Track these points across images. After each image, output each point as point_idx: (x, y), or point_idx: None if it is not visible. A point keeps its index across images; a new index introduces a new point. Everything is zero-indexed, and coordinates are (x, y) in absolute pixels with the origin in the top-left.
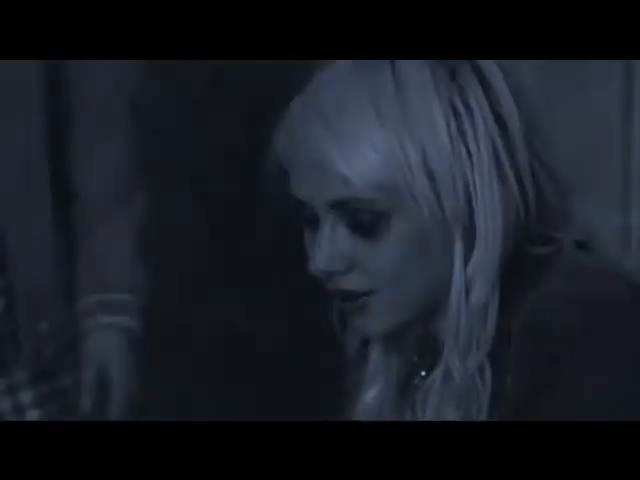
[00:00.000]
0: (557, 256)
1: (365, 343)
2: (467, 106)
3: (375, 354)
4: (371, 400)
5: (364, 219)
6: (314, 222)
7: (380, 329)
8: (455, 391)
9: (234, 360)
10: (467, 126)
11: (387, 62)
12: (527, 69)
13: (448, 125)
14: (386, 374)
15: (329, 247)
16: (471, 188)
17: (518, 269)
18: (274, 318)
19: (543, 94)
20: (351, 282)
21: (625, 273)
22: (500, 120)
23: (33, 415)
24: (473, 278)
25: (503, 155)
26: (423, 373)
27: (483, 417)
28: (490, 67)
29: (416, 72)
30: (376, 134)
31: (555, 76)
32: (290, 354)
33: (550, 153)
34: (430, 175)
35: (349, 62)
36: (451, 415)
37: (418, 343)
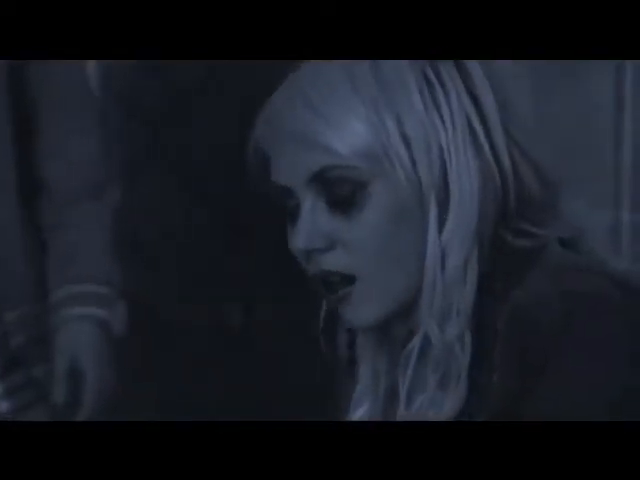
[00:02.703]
0: (542, 253)
1: (352, 361)
2: (439, 79)
3: (363, 373)
4: (359, 418)
5: (343, 192)
6: (296, 211)
7: (367, 317)
8: (433, 355)
9: (228, 360)
10: (440, 97)
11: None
12: (521, 68)
13: (422, 94)
14: (374, 394)
15: (309, 225)
16: (446, 155)
17: (502, 259)
18: (268, 317)
19: (535, 92)
20: (332, 261)
21: (612, 271)
22: (473, 97)
23: (5, 406)
24: (448, 243)
25: (478, 128)
26: (409, 372)
27: (463, 387)
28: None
29: None
30: (353, 104)
31: (547, 75)
32: (285, 354)
33: (532, 143)
34: (405, 139)
35: None
36: (430, 379)
37: (405, 343)
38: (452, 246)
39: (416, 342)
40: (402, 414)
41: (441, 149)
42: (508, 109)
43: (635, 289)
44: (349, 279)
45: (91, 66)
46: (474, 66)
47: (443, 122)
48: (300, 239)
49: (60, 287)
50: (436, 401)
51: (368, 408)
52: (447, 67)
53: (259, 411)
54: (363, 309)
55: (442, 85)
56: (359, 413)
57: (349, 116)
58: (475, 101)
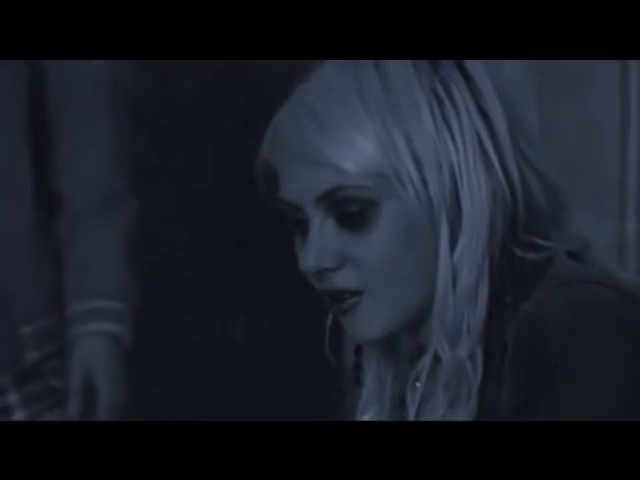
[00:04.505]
0: (550, 265)
1: (358, 367)
2: (450, 96)
3: (369, 379)
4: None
5: (353, 210)
6: (304, 225)
7: (371, 333)
8: (443, 374)
9: (230, 366)
10: (451, 115)
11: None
12: (520, 70)
13: (432, 112)
14: (380, 401)
15: (319, 243)
16: (456, 173)
17: (510, 272)
18: (272, 320)
19: (539, 96)
20: (343, 279)
21: (618, 282)
22: (483, 113)
23: (20, 415)
24: (460, 262)
25: (488, 145)
26: (417, 384)
27: (473, 404)
28: (472, 63)
29: (399, 65)
30: (364, 124)
31: (551, 78)
32: (290, 357)
33: (539, 155)
34: (416, 160)
35: (334, 61)
36: (440, 398)
37: (412, 358)
38: (463, 264)
39: (426, 361)
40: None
41: (452, 167)
42: (517, 123)
43: None
44: (358, 292)
45: (106, 67)
46: (484, 81)
47: (454, 140)
48: (310, 258)
49: (75, 302)
50: (446, 418)
51: (374, 415)
52: (457, 83)
53: (262, 413)
54: (368, 324)
55: (452, 102)
56: (365, 419)
57: (358, 134)
58: (485, 117)
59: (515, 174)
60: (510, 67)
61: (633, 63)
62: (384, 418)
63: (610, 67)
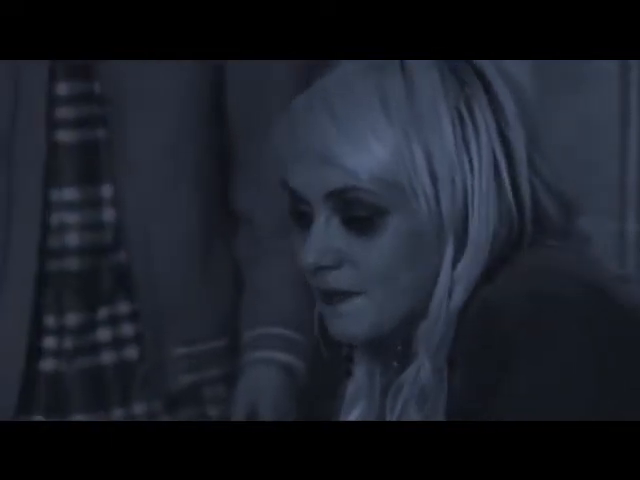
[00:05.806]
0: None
1: (349, 358)
2: (472, 116)
3: (359, 373)
4: (354, 419)
5: (360, 214)
6: (307, 217)
7: (362, 333)
8: (420, 393)
9: None
10: (471, 134)
11: (397, 63)
12: (522, 71)
13: (454, 130)
14: (369, 396)
15: (321, 240)
16: (469, 194)
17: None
18: None
19: (539, 96)
20: (339, 279)
21: (587, 273)
22: (502, 133)
23: None
24: (457, 283)
25: (502, 166)
26: (401, 392)
27: (440, 417)
28: (497, 81)
29: (426, 76)
30: (383, 130)
31: (551, 78)
32: None
33: (551, 171)
34: (432, 175)
35: (359, 61)
36: (413, 417)
37: (403, 357)
38: (460, 285)
39: (409, 374)
40: None
41: (465, 187)
42: (535, 141)
43: (614, 296)
44: (351, 294)
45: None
46: (507, 100)
47: (470, 162)
48: (310, 255)
49: (248, 327)
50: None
51: (362, 410)
52: (480, 102)
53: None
54: (354, 324)
55: (474, 123)
56: (355, 413)
57: (374, 138)
58: (504, 137)
59: (526, 194)
60: (511, 67)
61: (633, 63)
62: (372, 414)
63: (610, 67)
